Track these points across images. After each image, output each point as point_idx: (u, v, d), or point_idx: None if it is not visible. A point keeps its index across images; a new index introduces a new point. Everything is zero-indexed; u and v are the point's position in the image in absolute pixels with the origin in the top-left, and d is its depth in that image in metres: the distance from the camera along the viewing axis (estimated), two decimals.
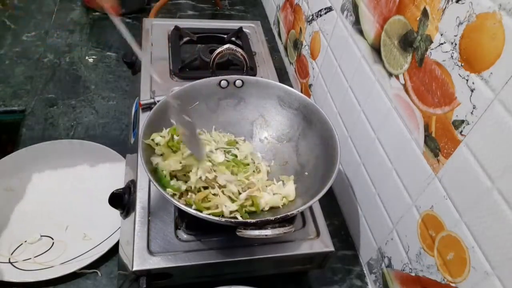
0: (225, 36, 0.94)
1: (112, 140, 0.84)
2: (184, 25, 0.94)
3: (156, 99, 0.71)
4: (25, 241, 0.65)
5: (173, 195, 0.54)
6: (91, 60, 1.04)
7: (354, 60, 0.71)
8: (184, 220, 0.59)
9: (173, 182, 0.56)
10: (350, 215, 0.78)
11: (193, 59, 0.85)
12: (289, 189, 0.59)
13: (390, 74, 0.60)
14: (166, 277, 0.56)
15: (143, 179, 0.62)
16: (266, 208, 0.57)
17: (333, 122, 0.62)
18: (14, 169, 0.74)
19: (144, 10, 1.21)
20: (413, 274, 0.57)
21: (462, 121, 0.46)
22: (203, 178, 0.56)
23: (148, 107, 0.71)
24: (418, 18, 0.53)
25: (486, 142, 0.43)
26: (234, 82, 0.69)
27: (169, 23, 0.94)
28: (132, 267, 0.53)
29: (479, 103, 0.43)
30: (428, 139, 0.52)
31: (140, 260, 0.53)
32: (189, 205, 0.53)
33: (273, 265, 0.61)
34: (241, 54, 0.76)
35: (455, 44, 0.47)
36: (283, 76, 1.08)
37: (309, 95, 0.94)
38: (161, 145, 0.58)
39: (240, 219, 0.54)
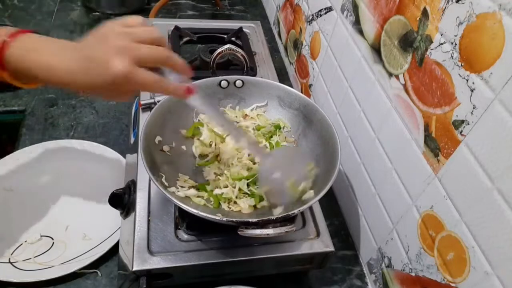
0: (225, 36, 0.94)
1: (112, 140, 0.84)
2: (184, 25, 0.94)
3: (156, 99, 0.71)
4: (25, 241, 0.65)
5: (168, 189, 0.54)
6: None
7: (354, 60, 0.71)
8: (185, 220, 0.59)
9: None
10: (350, 215, 0.78)
11: (193, 59, 0.85)
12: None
13: (390, 74, 0.60)
14: (166, 277, 0.56)
15: (143, 179, 0.62)
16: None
17: (333, 122, 0.62)
18: (14, 169, 0.74)
19: (144, 10, 1.21)
20: (413, 274, 0.57)
21: (462, 121, 0.46)
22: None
23: (148, 107, 0.71)
24: (418, 18, 0.53)
25: (486, 142, 0.43)
26: (234, 82, 0.69)
27: (169, 23, 0.94)
28: (132, 267, 0.53)
29: (479, 103, 0.43)
30: (428, 139, 0.52)
31: (140, 260, 0.53)
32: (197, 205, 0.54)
33: (273, 265, 0.61)
34: (241, 54, 0.76)
35: (455, 44, 0.47)
36: (283, 76, 1.08)
37: (309, 95, 0.94)
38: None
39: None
